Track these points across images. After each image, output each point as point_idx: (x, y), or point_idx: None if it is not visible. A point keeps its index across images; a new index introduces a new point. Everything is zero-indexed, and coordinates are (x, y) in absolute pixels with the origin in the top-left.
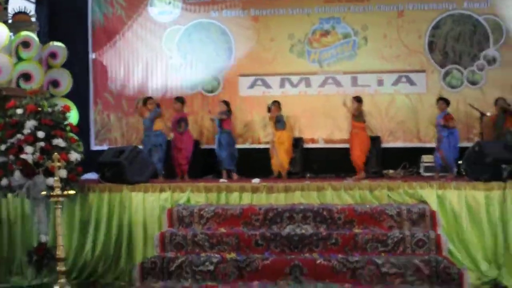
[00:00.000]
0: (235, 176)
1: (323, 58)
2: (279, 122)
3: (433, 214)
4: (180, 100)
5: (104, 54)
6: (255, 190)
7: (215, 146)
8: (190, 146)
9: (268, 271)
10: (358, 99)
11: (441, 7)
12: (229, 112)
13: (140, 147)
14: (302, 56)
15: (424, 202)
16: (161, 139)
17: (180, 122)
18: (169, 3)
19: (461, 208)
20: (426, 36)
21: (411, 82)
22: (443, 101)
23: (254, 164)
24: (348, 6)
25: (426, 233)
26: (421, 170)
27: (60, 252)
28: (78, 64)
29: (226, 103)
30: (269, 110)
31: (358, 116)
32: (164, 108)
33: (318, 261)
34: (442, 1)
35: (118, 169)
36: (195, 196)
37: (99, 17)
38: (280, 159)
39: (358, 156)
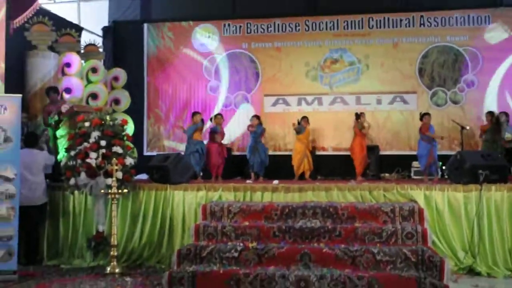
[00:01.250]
0: (261, 179)
1: (333, 82)
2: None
3: (421, 211)
4: (220, 115)
5: (156, 78)
6: (274, 190)
7: (246, 153)
8: (224, 153)
9: (282, 258)
10: (356, 116)
11: (428, 40)
12: (261, 126)
13: (183, 153)
14: (315, 80)
15: (414, 201)
16: (200, 147)
17: (216, 133)
18: (209, 37)
19: (444, 206)
20: (417, 64)
21: (404, 101)
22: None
23: (274, 167)
24: (353, 39)
25: (414, 227)
26: (412, 174)
27: (114, 240)
28: (135, 86)
29: (257, 117)
30: (297, 123)
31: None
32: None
33: (324, 250)
34: (429, 35)
35: (164, 172)
36: (226, 194)
37: (153, 48)
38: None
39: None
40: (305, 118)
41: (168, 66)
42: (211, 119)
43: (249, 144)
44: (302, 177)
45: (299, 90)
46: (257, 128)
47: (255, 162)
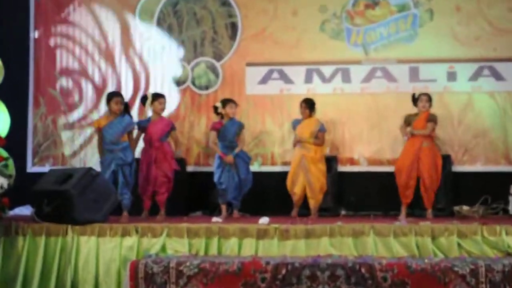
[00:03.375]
0: (238, 214)
1: (369, 41)
2: (322, 132)
3: None
4: (160, 96)
5: (52, 32)
6: (262, 234)
7: (213, 169)
8: (171, 167)
9: None
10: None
11: None
12: (235, 120)
13: (98, 169)
14: (338, 37)
15: None
16: (130, 156)
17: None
18: None
19: None
20: None
21: (497, 76)
22: None
23: (263, 195)
24: None
25: None
26: (510, 207)
27: None
28: (11, 46)
29: (232, 104)
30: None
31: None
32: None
33: None
34: None
35: (63, 201)
36: (174, 242)
37: None
38: (314, 187)
39: (430, 183)
40: (304, 102)
41: (72, 11)
42: (143, 101)
43: (217, 154)
44: (305, 209)
45: (309, 56)
46: (228, 125)
47: (229, 186)
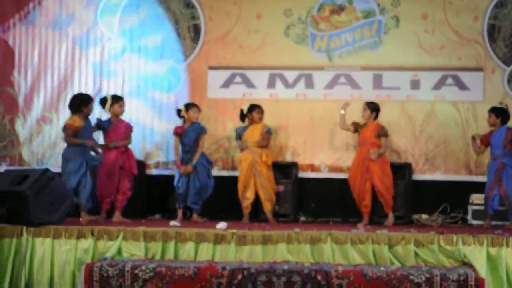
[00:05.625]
0: (197, 218)
1: (334, 47)
2: (268, 133)
3: (480, 283)
4: (120, 98)
5: (10, 30)
6: (219, 239)
7: (174, 174)
8: (131, 169)
9: None
10: (372, 107)
11: None
12: (199, 124)
13: (55, 170)
14: (302, 42)
15: (469, 264)
16: (86, 156)
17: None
18: None
19: None
20: (485, 18)
21: (460, 85)
22: (498, 113)
23: (222, 200)
24: None
25: None
26: (469, 216)
27: None
28: None
29: (194, 108)
30: (243, 116)
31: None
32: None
33: None
34: None
35: (18, 203)
36: (130, 246)
37: None
38: (266, 190)
39: (384, 189)
40: (257, 108)
41: (32, 8)
42: (102, 103)
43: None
44: (260, 215)
45: (272, 61)
46: (189, 129)
47: (190, 189)
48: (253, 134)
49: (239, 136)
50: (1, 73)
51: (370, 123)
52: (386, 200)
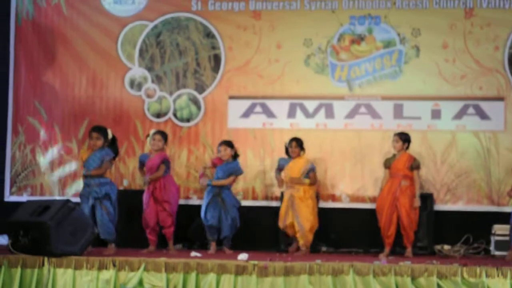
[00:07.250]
0: (227, 250)
1: (354, 76)
2: (312, 171)
3: None
4: (161, 134)
5: (32, 63)
6: (240, 270)
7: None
8: (175, 199)
9: None
10: (403, 137)
11: None
12: (236, 155)
13: (76, 201)
14: (323, 71)
15: None
16: (109, 190)
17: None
18: None
19: None
20: (506, 47)
21: (482, 115)
22: None
23: (245, 230)
24: None
25: None
26: (492, 247)
27: None
28: None
29: (229, 145)
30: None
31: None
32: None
33: None
34: None
35: (40, 233)
36: (151, 277)
37: (27, 6)
38: (304, 225)
39: (409, 223)
40: (295, 141)
41: (55, 41)
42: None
43: (208, 191)
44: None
45: (292, 91)
46: (225, 167)
47: (223, 222)
48: (294, 168)
49: (281, 167)
50: (23, 103)
51: (401, 154)
52: (408, 234)
